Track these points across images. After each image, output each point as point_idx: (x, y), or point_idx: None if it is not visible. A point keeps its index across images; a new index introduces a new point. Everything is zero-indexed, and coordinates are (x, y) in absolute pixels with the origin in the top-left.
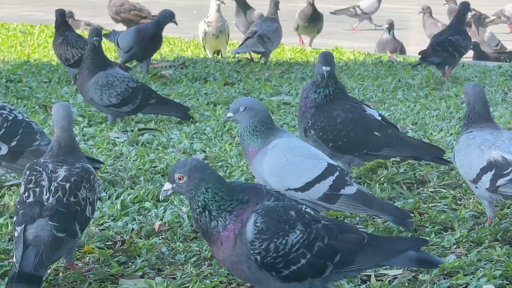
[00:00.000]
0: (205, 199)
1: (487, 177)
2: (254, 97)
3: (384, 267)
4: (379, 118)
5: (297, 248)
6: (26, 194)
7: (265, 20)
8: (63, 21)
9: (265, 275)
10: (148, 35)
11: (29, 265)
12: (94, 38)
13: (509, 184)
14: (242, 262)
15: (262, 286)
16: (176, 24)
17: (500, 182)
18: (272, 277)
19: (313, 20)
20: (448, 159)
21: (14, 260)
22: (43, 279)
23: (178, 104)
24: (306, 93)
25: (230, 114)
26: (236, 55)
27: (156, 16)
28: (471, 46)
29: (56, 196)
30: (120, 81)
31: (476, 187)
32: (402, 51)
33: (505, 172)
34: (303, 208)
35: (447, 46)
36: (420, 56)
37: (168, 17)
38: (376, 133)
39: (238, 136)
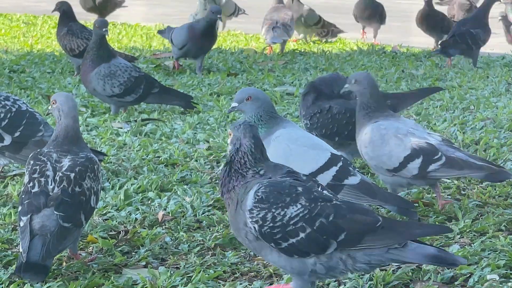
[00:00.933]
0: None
1: (414, 165)
2: (257, 88)
3: (396, 262)
4: None
5: (296, 221)
6: (31, 184)
7: (277, 9)
8: (68, 11)
9: (263, 245)
10: (200, 32)
11: (36, 254)
12: (104, 29)
13: (442, 169)
14: (240, 228)
15: (265, 258)
16: (221, 20)
17: (432, 167)
18: (270, 249)
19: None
20: None
21: (21, 250)
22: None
23: (181, 93)
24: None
25: (235, 104)
26: (272, 44)
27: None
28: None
29: (61, 186)
30: (122, 71)
31: (393, 175)
32: None
33: (435, 157)
34: (316, 188)
35: (467, 39)
36: (440, 46)
37: (213, 12)
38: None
39: None
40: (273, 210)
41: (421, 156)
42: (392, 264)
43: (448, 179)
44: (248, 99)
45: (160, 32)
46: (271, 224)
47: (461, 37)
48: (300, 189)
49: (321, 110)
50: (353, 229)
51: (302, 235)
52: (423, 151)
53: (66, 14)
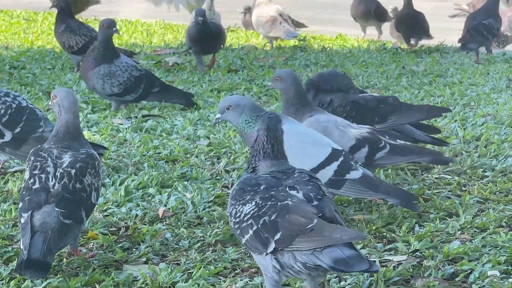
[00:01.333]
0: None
1: (361, 154)
2: (251, 88)
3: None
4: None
5: (248, 218)
6: (32, 180)
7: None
8: (65, 8)
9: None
10: (194, 34)
11: (37, 251)
12: (114, 29)
13: (388, 156)
14: None
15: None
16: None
17: (378, 155)
18: (240, 240)
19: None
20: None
21: (22, 247)
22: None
23: (182, 91)
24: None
25: (218, 115)
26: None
27: None
28: None
29: (62, 182)
30: (122, 71)
31: None
32: None
33: (380, 146)
34: (287, 187)
35: (482, 31)
36: (460, 43)
37: (196, 15)
38: (381, 105)
39: None
40: (236, 206)
41: (366, 146)
42: (393, 260)
43: (449, 175)
44: (228, 108)
45: None
46: (233, 220)
47: (476, 30)
48: (262, 187)
49: (322, 103)
50: (287, 229)
51: (250, 232)
52: (368, 140)
53: (63, 11)
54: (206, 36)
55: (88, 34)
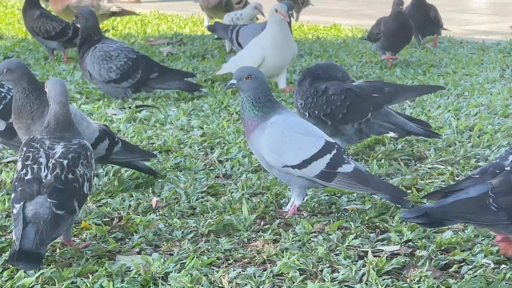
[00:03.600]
0: None
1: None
2: None
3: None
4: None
5: None
6: (24, 171)
7: None
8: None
9: None
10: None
11: (30, 243)
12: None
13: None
14: None
15: None
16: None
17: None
18: None
19: None
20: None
21: (14, 238)
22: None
23: (183, 72)
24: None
25: (233, 81)
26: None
27: None
28: None
29: (54, 173)
30: (118, 52)
31: None
32: None
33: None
34: None
35: None
36: None
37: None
38: (375, 94)
39: (236, 112)
40: None
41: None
42: (386, 250)
43: (442, 165)
44: (248, 77)
45: (210, 28)
46: None
47: None
48: None
49: (317, 91)
50: None
51: None
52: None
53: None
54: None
55: (64, 21)
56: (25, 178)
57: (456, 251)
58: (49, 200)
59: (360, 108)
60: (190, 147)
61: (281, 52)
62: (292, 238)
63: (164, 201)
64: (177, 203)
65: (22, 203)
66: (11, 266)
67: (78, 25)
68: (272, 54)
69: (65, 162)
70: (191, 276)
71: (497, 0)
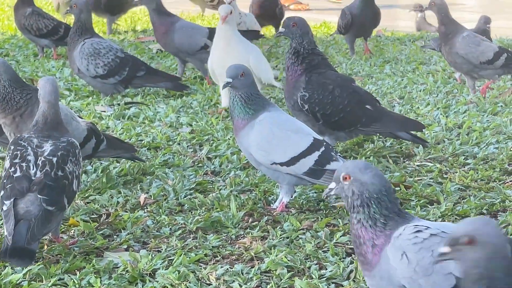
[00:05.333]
0: None
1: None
2: None
3: None
4: None
5: None
6: (13, 169)
7: None
8: None
9: None
10: None
11: (22, 239)
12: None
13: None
14: None
15: None
16: None
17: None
18: None
19: None
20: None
21: (6, 234)
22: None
23: (169, 75)
24: (288, 62)
25: (229, 80)
26: None
27: None
28: None
29: (44, 170)
30: (107, 50)
31: None
32: None
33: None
34: None
35: None
36: None
37: None
38: (368, 106)
39: (225, 110)
40: None
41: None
42: None
43: (431, 162)
44: (242, 75)
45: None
46: None
47: None
48: None
49: (324, 89)
50: None
51: None
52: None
53: None
54: None
55: (56, 19)
56: (14, 175)
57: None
58: (39, 196)
59: (353, 118)
60: (179, 144)
61: (221, 58)
62: (280, 235)
63: (152, 198)
64: (165, 200)
65: (12, 200)
66: (1, 262)
67: (72, 16)
68: (210, 59)
69: (55, 159)
70: (178, 273)
71: None
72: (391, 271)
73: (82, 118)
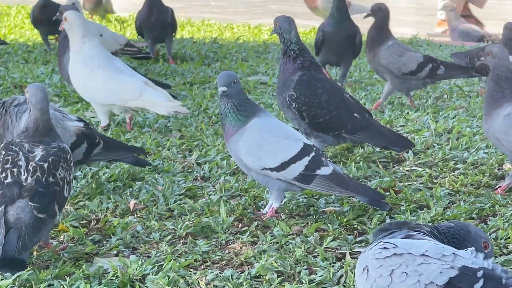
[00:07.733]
0: None
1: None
2: None
3: None
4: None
5: None
6: (4, 174)
7: None
8: None
9: None
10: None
11: (12, 249)
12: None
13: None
14: None
15: None
16: None
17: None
18: None
19: None
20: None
21: None
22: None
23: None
24: (281, 61)
25: (224, 88)
26: None
27: None
28: None
29: (35, 176)
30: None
31: None
32: None
33: (96, 141)
34: None
35: None
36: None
37: None
38: (356, 114)
39: (214, 115)
40: None
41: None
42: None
43: (421, 167)
44: (234, 82)
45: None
46: None
47: None
48: None
49: (312, 94)
50: None
51: None
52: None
53: None
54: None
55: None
56: (5, 181)
57: None
58: (30, 203)
59: (338, 123)
60: (169, 149)
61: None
62: (270, 240)
63: (142, 204)
64: (155, 205)
65: (3, 207)
66: None
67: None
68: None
69: (46, 165)
70: (168, 278)
71: None
72: None
73: (81, 119)
